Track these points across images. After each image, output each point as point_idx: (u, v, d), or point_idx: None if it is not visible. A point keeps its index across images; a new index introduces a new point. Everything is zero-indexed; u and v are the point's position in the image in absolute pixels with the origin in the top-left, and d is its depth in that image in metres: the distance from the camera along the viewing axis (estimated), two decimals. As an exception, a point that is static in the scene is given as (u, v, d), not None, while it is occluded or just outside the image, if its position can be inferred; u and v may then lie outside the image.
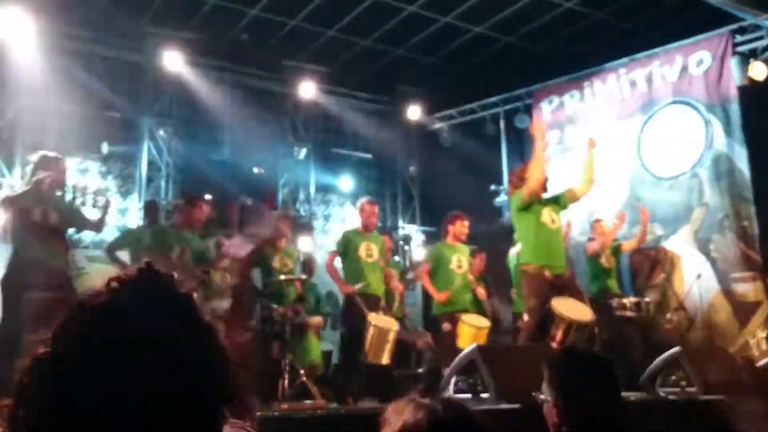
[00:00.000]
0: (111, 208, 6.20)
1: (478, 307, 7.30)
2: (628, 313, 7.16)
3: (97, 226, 5.93)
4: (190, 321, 0.94)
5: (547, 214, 5.92)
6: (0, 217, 7.33)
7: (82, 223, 5.87)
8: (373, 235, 6.77)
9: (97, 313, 0.90)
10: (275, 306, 6.17)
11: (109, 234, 7.22)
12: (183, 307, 0.95)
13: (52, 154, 5.84)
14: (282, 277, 6.45)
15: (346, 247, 6.62)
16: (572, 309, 5.56)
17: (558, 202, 6.09)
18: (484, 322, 6.68)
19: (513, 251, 7.61)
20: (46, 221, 5.41)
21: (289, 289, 6.64)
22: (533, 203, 5.88)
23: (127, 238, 6.82)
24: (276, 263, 6.63)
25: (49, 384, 0.86)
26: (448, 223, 7.04)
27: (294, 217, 8.03)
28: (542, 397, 2.05)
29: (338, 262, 6.80)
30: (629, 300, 7.29)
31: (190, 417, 0.89)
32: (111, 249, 6.37)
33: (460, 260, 6.96)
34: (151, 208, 8.20)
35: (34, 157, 5.80)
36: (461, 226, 7.01)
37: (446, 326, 6.71)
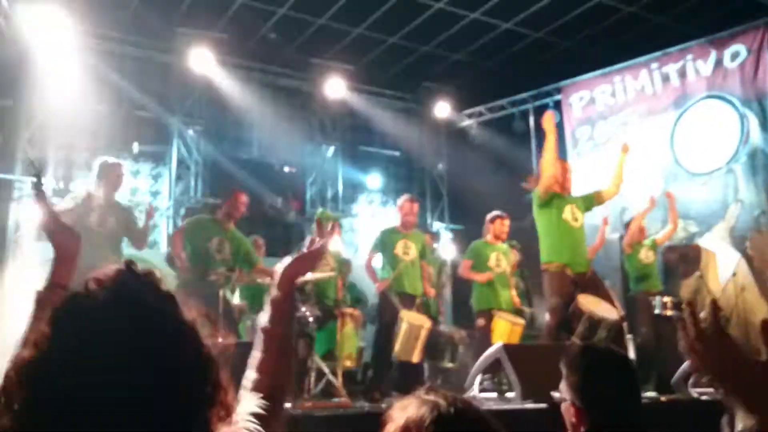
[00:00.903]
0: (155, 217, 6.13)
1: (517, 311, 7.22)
2: (669, 313, 7.03)
3: (140, 237, 5.83)
4: (168, 321, 0.92)
5: (569, 211, 5.84)
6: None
7: (133, 234, 5.82)
8: (413, 233, 6.74)
9: (71, 316, 0.89)
10: (301, 304, 6.17)
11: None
12: (161, 307, 0.93)
13: (111, 160, 5.96)
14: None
15: (384, 245, 6.62)
16: (598, 306, 5.47)
17: (584, 202, 6.02)
18: (519, 320, 6.64)
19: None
20: (103, 226, 5.48)
21: (328, 288, 6.68)
22: (553, 200, 5.82)
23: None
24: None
25: (26, 389, 0.85)
26: (489, 222, 7.07)
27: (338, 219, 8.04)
28: (559, 395, 2.00)
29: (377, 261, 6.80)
30: (670, 299, 7.14)
31: (170, 420, 0.87)
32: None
33: (499, 259, 6.95)
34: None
35: (96, 164, 5.93)
36: (501, 225, 7.04)
37: (480, 322, 6.70)
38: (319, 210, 8.80)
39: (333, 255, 6.96)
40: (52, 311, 0.90)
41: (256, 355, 1.43)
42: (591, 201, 6.07)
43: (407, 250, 6.55)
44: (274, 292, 1.51)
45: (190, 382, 0.90)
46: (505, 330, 6.38)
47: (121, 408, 0.84)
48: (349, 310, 6.76)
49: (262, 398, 1.33)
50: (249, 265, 6.20)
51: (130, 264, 0.96)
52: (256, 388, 1.37)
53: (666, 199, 7.67)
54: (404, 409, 1.25)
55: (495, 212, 7.17)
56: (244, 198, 6.22)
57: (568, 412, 1.94)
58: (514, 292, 7.10)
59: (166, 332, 0.91)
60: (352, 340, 6.93)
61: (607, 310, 5.47)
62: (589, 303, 5.42)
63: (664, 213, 7.93)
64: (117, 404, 0.84)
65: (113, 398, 0.84)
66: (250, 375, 1.40)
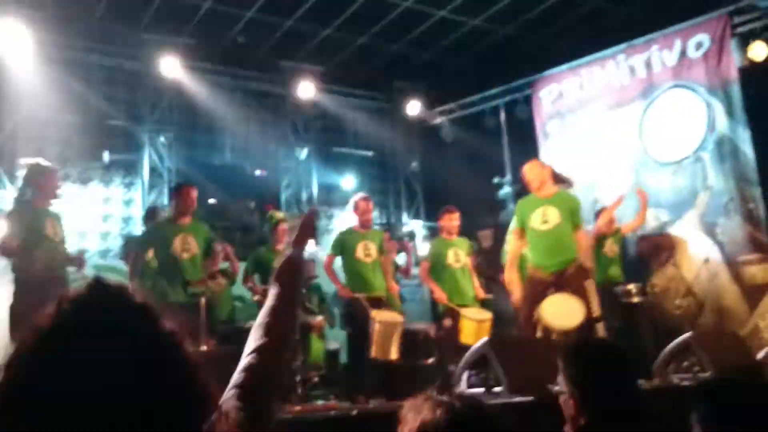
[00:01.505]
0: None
1: (481, 301, 7.25)
2: (634, 299, 7.10)
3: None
4: (145, 334, 0.90)
5: (539, 214, 5.87)
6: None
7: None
8: (371, 232, 6.74)
9: (44, 336, 0.87)
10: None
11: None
12: (136, 320, 0.91)
13: (46, 164, 5.64)
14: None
15: (343, 249, 6.60)
16: (558, 313, 5.44)
17: (569, 210, 5.99)
18: (485, 315, 6.62)
19: (506, 247, 7.61)
20: (57, 235, 5.23)
21: None
22: (521, 208, 6.01)
23: (130, 244, 6.74)
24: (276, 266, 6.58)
25: (8, 410, 0.84)
26: (439, 219, 7.15)
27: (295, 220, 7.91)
28: (557, 389, 2.03)
29: (338, 262, 6.77)
30: (633, 286, 7.21)
31: None
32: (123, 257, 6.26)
33: (457, 254, 6.94)
34: (150, 216, 8.00)
35: (27, 166, 5.56)
36: (449, 220, 7.06)
37: (447, 322, 6.70)
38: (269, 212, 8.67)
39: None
40: (24, 332, 0.88)
41: (249, 345, 1.34)
42: (575, 216, 6.05)
43: (368, 251, 6.54)
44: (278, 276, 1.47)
45: (175, 393, 0.88)
46: (471, 329, 6.36)
47: (105, 425, 0.83)
48: (309, 321, 6.70)
49: (242, 397, 1.22)
50: (207, 254, 6.03)
51: (98, 280, 0.93)
52: (238, 383, 1.25)
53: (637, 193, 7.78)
54: (417, 411, 1.26)
55: (444, 207, 7.23)
56: (192, 191, 6.08)
57: (566, 404, 1.97)
58: (477, 284, 7.14)
59: (146, 342, 0.89)
60: (316, 349, 6.87)
61: (566, 317, 5.40)
62: (549, 309, 5.40)
63: (638, 203, 8.04)
64: (100, 422, 0.82)
65: (96, 416, 0.82)
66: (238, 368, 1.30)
